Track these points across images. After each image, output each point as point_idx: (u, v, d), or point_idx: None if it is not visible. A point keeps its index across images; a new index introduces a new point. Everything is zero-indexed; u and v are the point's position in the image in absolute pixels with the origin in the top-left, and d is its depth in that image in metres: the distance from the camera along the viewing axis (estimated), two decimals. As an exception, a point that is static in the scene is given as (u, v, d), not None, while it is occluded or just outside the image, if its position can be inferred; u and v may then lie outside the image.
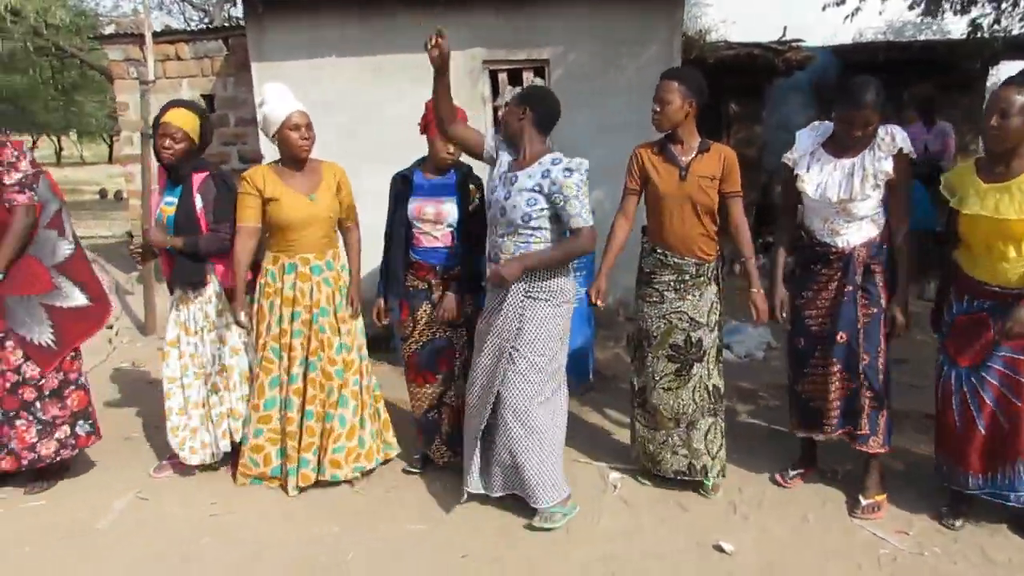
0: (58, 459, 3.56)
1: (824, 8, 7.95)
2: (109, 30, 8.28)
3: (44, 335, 3.49)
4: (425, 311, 3.49)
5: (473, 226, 3.43)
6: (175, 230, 3.49)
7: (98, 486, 3.65)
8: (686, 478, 3.41)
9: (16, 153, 3.39)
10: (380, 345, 5.19)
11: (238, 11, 14.41)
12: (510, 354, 3.11)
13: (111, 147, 33.64)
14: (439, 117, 3.14)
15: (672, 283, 3.28)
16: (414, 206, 3.42)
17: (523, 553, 3.04)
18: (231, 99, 7.40)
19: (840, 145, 3.13)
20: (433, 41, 2.86)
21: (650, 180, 3.26)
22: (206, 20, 15.89)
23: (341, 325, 3.49)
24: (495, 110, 6.04)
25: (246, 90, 7.02)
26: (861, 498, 3.26)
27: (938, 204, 4.22)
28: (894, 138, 3.06)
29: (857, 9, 7.88)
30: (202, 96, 7.41)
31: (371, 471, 3.67)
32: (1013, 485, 2.94)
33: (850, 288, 3.16)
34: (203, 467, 3.75)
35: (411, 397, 3.65)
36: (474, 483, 3.26)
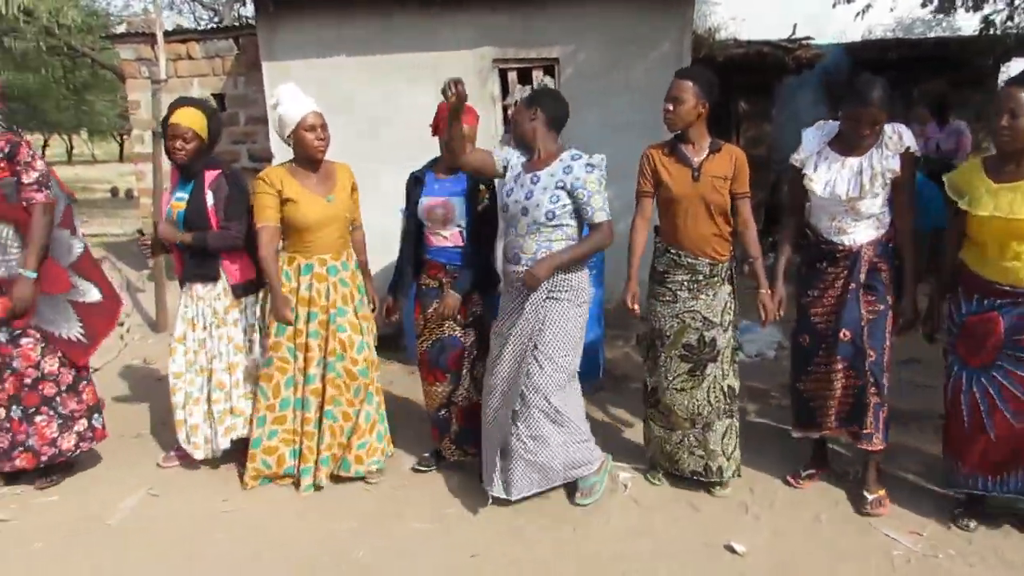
0: (78, 452, 3.62)
1: (835, 5, 7.90)
2: (120, 30, 8.32)
3: (74, 330, 3.56)
4: (435, 308, 3.50)
5: (482, 226, 3.43)
6: (185, 226, 3.51)
7: (109, 482, 3.67)
8: (702, 479, 3.42)
9: (32, 152, 3.42)
10: (390, 344, 5.20)
11: (247, 11, 14.47)
12: (534, 356, 3.15)
13: (122, 146, 33.82)
14: (453, 152, 3.17)
15: (685, 283, 3.27)
16: (424, 205, 3.43)
17: (533, 552, 3.04)
18: (241, 98, 7.43)
19: (847, 144, 3.13)
20: (453, 89, 2.89)
21: (662, 181, 3.25)
22: (216, 20, 15.94)
23: (363, 323, 3.50)
24: (505, 109, 6.04)
25: (256, 89, 7.05)
26: (866, 494, 3.26)
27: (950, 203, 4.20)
28: (901, 137, 3.07)
29: (868, 6, 7.84)
30: (213, 95, 7.44)
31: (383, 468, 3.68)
32: None
33: (855, 286, 3.16)
34: (207, 462, 3.77)
35: (424, 394, 3.68)
36: (497, 488, 3.27)
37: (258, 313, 3.68)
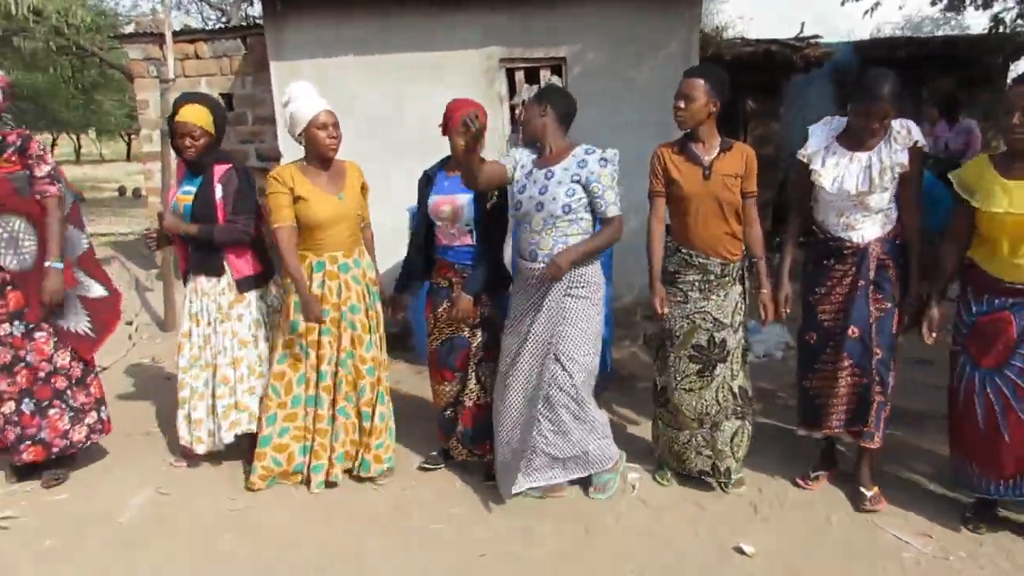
0: (88, 443, 3.68)
1: (843, 3, 7.88)
2: (129, 29, 8.35)
3: (81, 324, 3.61)
4: (446, 309, 3.51)
5: (492, 224, 3.42)
6: (192, 219, 3.52)
7: (118, 480, 3.68)
8: (709, 478, 3.42)
9: (42, 146, 3.47)
10: (398, 344, 5.20)
11: (255, 10, 14.50)
12: (557, 358, 3.17)
13: (129, 145, 33.96)
14: (470, 179, 3.15)
15: (697, 283, 3.27)
16: (433, 203, 3.44)
17: (542, 552, 3.03)
18: (249, 97, 7.44)
19: (855, 139, 3.11)
20: (476, 123, 2.90)
21: (673, 180, 3.24)
22: (223, 19, 15.97)
23: (371, 323, 3.50)
24: (512, 108, 6.04)
25: (264, 89, 7.06)
26: (864, 491, 3.26)
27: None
28: (910, 131, 3.06)
29: (877, 3, 7.81)
30: (220, 95, 7.45)
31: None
32: None
33: (863, 283, 3.15)
34: (215, 460, 3.81)
35: (432, 393, 3.69)
36: (517, 485, 3.28)
37: (264, 308, 3.69)
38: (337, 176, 3.45)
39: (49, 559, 3.05)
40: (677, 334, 3.32)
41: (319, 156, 3.39)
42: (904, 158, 3.04)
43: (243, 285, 3.62)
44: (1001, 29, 7.88)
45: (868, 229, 3.15)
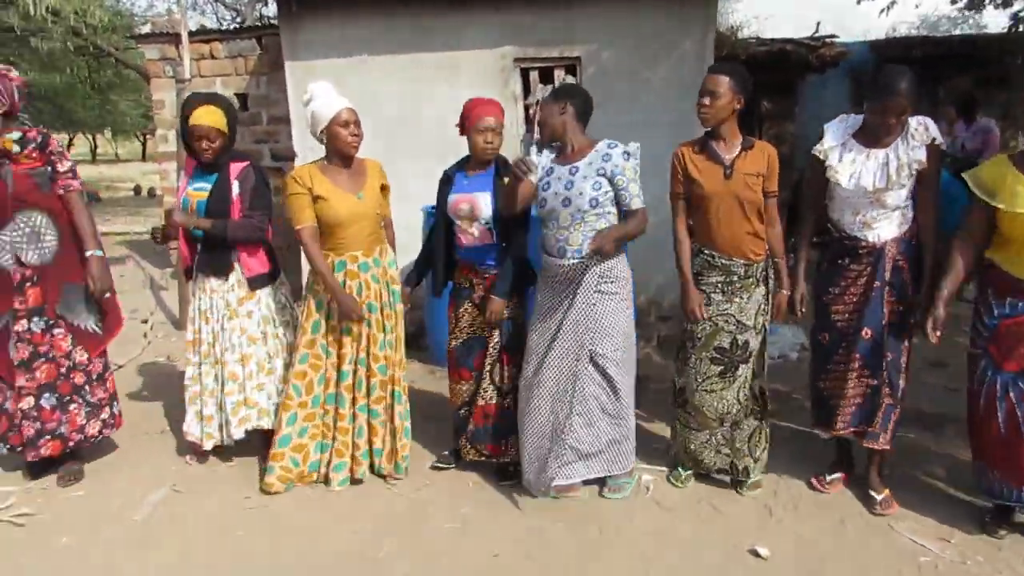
0: (100, 437, 3.73)
1: (859, 1, 7.82)
2: (145, 29, 8.40)
3: (90, 321, 3.63)
4: (466, 309, 3.51)
5: (511, 222, 3.40)
6: (206, 215, 3.52)
7: (133, 478, 3.70)
8: (726, 476, 3.41)
9: (60, 144, 3.51)
10: (412, 343, 5.19)
11: (269, 11, 14.54)
12: (590, 355, 3.20)
13: (144, 144, 34.21)
14: (512, 206, 3.28)
15: (720, 284, 3.25)
16: (451, 201, 3.44)
17: (555, 553, 3.03)
18: (264, 97, 7.47)
19: (871, 136, 3.08)
20: (524, 170, 2.99)
21: (694, 180, 3.22)
22: (238, 20, 16.04)
23: (387, 322, 3.49)
24: (526, 108, 6.02)
25: (278, 89, 7.08)
26: (874, 494, 3.25)
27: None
28: (927, 128, 3.02)
29: (893, 2, 7.76)
30: (235, 94, 7.49)
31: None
32: None
33: (878, 284, 3.12)
34: (227, 456, 3.84)
35: (449, 392, 3.70)
36: (533, 483, 3.29)
37: (272, 305, 3.71)
38: (357, 175, 3.44)
39: (65, 556, 3.07)
40: (699, 336, 3.30)
41: (340, 154, 3.38)
42: (922, 155, 3.00)
43: (255, 283, 3.64)
44: (1021, 28, 7.80)
45: (884, 228, 3.12)
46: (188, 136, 3.50)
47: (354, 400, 3.50)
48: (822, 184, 3.20)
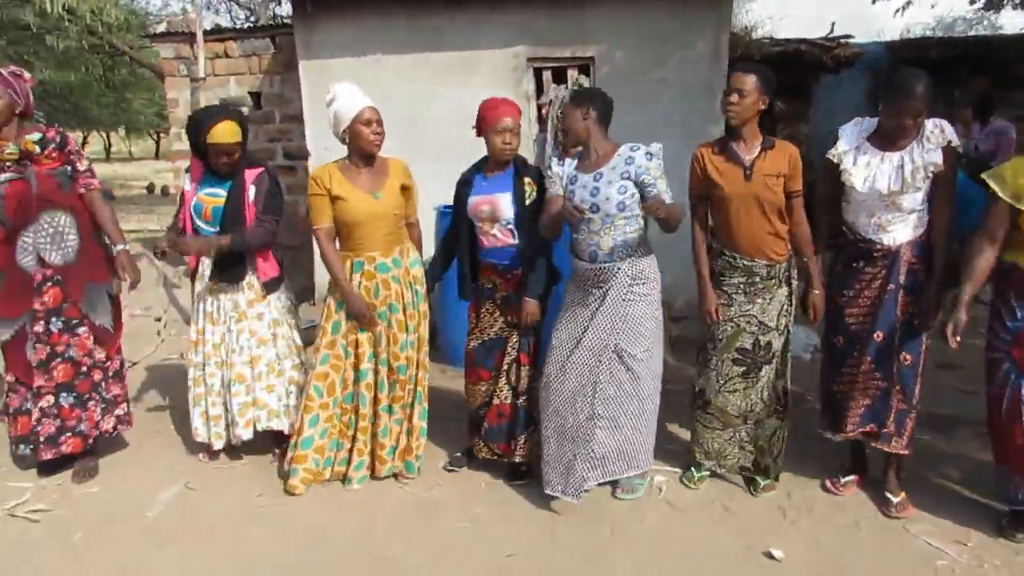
0: (115, 433, 3.77)
1: (874, 1, 7.78)
2: (160, 28, 8.45)
3: (105, 319, 3.67)
4: (488, 310, 3.51)
5: (532, 222, 3.39)
6: (223, 220, 3.53)
7: (147, 475, 3.71)
8: (748, 473, 3.42)
9: (77, 143, 3.54)
10: (423, 342, 5.20)
11: (283, 10, 14.60)
12: (619, 356, 3.19)
13: (158, 143, 34.41)
14: (555, 232, 3.32)
15: (741, 285, 3.24)
16: (471, 204, 3.43)
17: (568, 553, 3.02)
18: (277, 96, 7.50)
19: (887, 139, 3.06)
20: (579, 218, 3.06)
21: (714, 181, 3.21)
22: (251, 19, 16.10)
23: (409, 322, 3.47)
24: (539, 108, 6.03)
25: (292, 88, 7.11)
26: (890, 496, 3.23)
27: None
28: (943, 131, 3.00)
29: (908, 2, 7.71)
30: (249, 93, 7.53)
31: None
32: None
33: (892, 287, 3.10)
34: (239, 455, 3.85)
35: (466, 392, 3.69)
36: (562, 488, 3.26)
37: (281, 307, 3.74)
38: (379, 174, 3.42)
39: (80, 552, 3.08)
40: (720, 338, 3.29)
41: (362, 153, 3.37)
42: (937, 158, 2.98)
43: (269, 287, 3.66)
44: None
45: (900, 231, 3.10)
46: (207, 153, 3.48)
47: (376, 399, 3.50)
48: (837, 187, 3.18)
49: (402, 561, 3.00)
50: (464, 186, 3.50)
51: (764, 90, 3.11)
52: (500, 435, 3.54)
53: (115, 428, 3.76)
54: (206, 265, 3.65)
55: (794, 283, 3.30)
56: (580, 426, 3.21)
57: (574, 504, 3.27)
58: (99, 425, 3.68)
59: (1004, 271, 2.99)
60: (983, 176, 3.01)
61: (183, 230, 3.62)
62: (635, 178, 3.13)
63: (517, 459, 3.54)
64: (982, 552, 2.93)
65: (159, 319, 6.55)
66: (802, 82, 8.65)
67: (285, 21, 9.79)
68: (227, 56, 7.52)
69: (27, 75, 3.47)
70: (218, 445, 3.73)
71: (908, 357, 3.13)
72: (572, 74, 5.98)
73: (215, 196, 3.56)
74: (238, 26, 12.75)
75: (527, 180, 3.41)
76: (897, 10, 7.80)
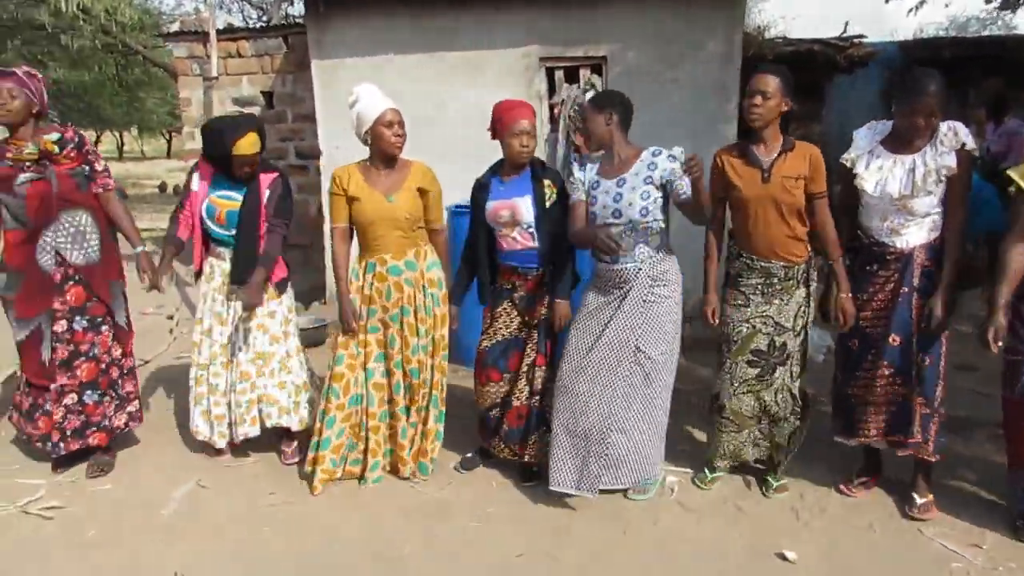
0: (127, 429, 3.81)
1: (887, 0, 7.73)
2: (173, 28, 8.48)
3: (123, 318, 3.72)
4: (504, 309, 3.50)
5: (551, 225, 3.38)
6: (239, 223, 3.54)
7: (159, 472, 3.73)
8: (762, 466, 3.43)
9: (92, 143, 3.57)
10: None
11: (295, 9, 14.65)
12: (636, 356, 3.19)
13: (170, 142, 34.58)
14: (581, 247, 3.36)
15: (759, 286, 3.23)
16: (490, 208, 3.41)
17: (580, 553, 3.02)
18: (289, 96, 7.52)
19: (900, 142, 3.05)
20: (615, 250, 3.05)
21: (732, 184, 3.21)
22: (263, 18, 16.15)
23: (421, 326, 3.45)
24: (551, 108, 6.01)
25: (304, 87, 7.13)
26: (916, 496, 3.20)
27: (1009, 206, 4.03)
28: (957, 133, 2.97)
29: (922, 1, 7.66)
30: (261, 92, 7.55)
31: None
32: None
33: (906, 290, 3.08)
34: (251, 452, 3.87)
35: (476, 394, 3.66)
36: (569, 482, 3.26)
37: (290, 305, 3.79)
38: (397, 177, 3.41)
39: (93, 549, 3.10)
40: (734, 339, 3.28)
41: (383, 154, 3.37)
42: (951, 161, 2.95)
43: (280, 287, 3.70)
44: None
45: (913, 235, 3.07)
46: (231, 164, 3.48)
47: (392, 400, 3.51)
48: (852, 191, 3.17)
49: (413, 560, 3.00)
50: (481, 191, 3.48)
51: (787, 92, 3.10)
52: (518, 436, 3.53)
53: (127, 424, 3.79)
54: (214, 266, 3.67)
55: (812, 285, 3.27)
56: (594, 426, 3.20)
57: (589, 500, 3.28)
58: (112, 421, 3.71)
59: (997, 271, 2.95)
60: (1009, 172, 2.96)
61: (176, 236, 3.61)
62: (659, 182, 3.14)
63: (530, 459, 3.53)
64: (997, 554, 2.91)
65: (171, 317, 6.58)
66: (815, 82, 8.60)
67: (297, 21, 9.80)
68: (239, 55, 7.54)
69: (39, 75, 3.50)
70: (221, 444, 3.74)
71: (927, 360, 3.10)
72: (584, 74, 5.96)
73: (230, 199, 3.56)
74: (250, 26, 12.79)
75: (546, 182, 3.40)
76: (910, 9, 7.73)
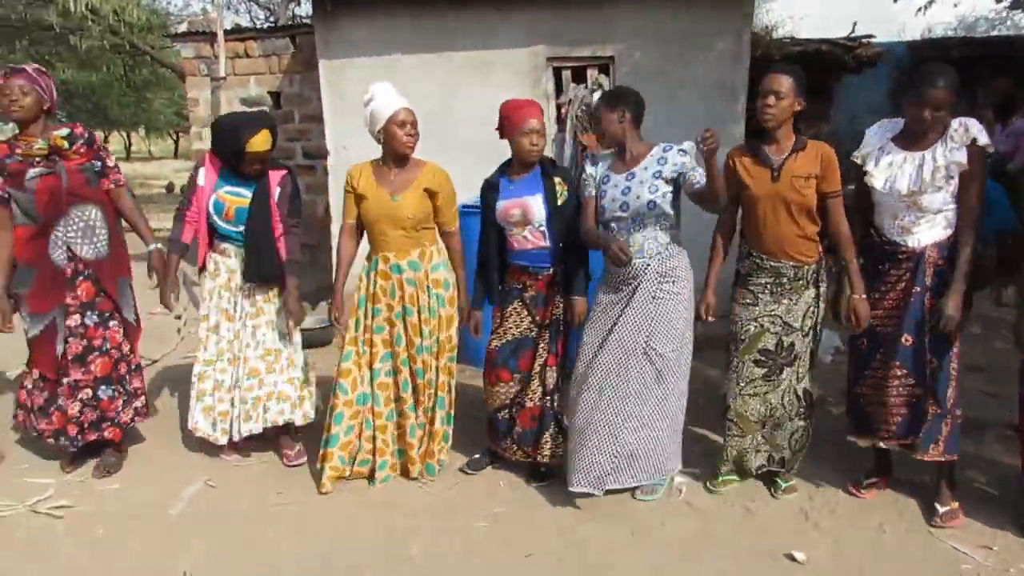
0: (132, 424, 3.81)
1: (896, 0, 7.70)
2: (181, 28, 8.51)
3: (131, 314, 3.74)
4: (515, 308, 3.49)
5: (563, 223, 3.37)
6: (249, 220, 3.55)
7: (167, 471, 3.74)
8: (766, 470, 3.41)
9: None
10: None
11: (302, 10, 14.67)
12: (647, 353, 3.18)
13: (177, 142, 34.65)
14: (593, 249, 3.37)
15: (768, 286, 3.22)
16: (501, 208, 3.40)
17: (588, 554, 3.01)
18: (296, 96, 7.54)
19: (911, 138, 3.03)
20: (626, 261, 3.08)
21: (743, 182, 3.20)
22: (271, 19, 16.21)
23: (424, 327, 3.45)
24: (559, 107, 6.01)
25: (311, 87, 7.15)
26: (938, 505, 3.15)
27: (1019, 205, 4.02)
28: (968, 129, 2.94)
29: (931, 1, 7.63)
30: (269, 93, 7.57)
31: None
32: None
33: (918, 290, 3.05)
34: (260, 451, 3.88)
35: (485, 394, 3.64)
36: (588, 484, 3.24)
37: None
38: (407, 177, 3.40)
39: (101, 547, 3.11)
40: (742, 338, 3.27)
41: (394, 153, 3.38)
42: (961, 156, 2.93)
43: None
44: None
45: (925, 233, 3.05)
46: (243, 160, 3.48)
47: (399, 399, 3.51)
48: (864, 189, 3.15)
49: (422, 560, 3.00)
50: (491, 190, 3.46)
51: (800, 91, 3.09)
52: (531, 437, 3.51)
53: (132, 419, 3.80)
54: (219, 262, 3.66)
55: (822, 286, 3.25)
56: (606, 423, 3.20)
57: (597, 501, 3.28)
58: (120, 417, 3.71)
59: None
60: None
61: (180, 240, 3.62)
62: (669, 176, 3.14)
63: (542, 459, 3.50)
64: (1008, 556, 2.89)
65: (179, 317, 6.58)
66: (823, 82, 8.58)
67: (305, 21, 9.84)
68: (247, 56, 7.57)
69: (48, 73, 3.52)
70: (223, 440, 3.74)
71: (936, 361, 3.08)
72: (591, 74, 5.95)
73: (239, 196, 3.57)
74: (258, 26, 12.83)
75: (557, 180, 3.39)
76: (919, 9, 7.70)
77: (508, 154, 3.46)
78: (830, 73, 8.45)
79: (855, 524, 3.16)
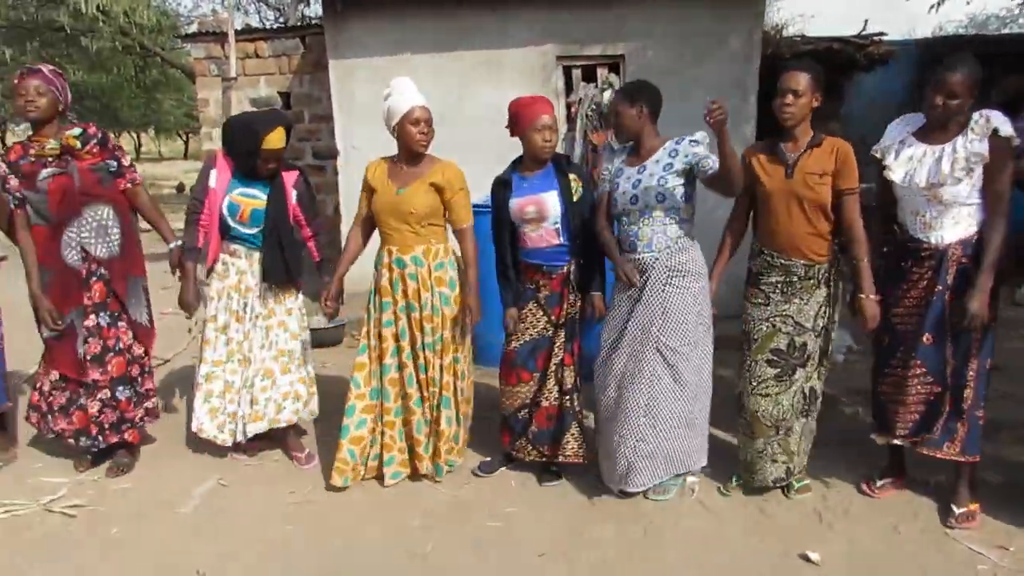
0: (142, 424, 3.81)
1: (907, -2, 7.66)
2: (192, 29, 8.54)
3: (144, 315, 3.74)
4: (530, 309, 3.47)
5: (578, 220, 3.36)
6: (267, 222, 3.55)
7: (180, 471, 3.75)
8: (783, 484, 3.36)
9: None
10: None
11: (311, 10, 14.69)
12: (658, 348, 3.17)
13: (187, 143, 34.82)
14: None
15: (779, 284, 3.20)
16: (515, 206, 3.38)
17: (600, 554, 3.00)
18: (306, 96, 7.55)
19: (932, 132, 2.99)
20: (635, 280, 3.17)
21: (757, 178, 3.18)
22: (281, 19, 16.23)
23: (426, 324, 3.44)
24: (568, 106, 6.00)
25: (321, 87, 7.17)
26: (954, 507, 3.12)
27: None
28: (989, 120, 2.89)
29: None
30: (279, 93, 7.58)
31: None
32: None
33: (940, 288, 3.01)
34: (271, 451, 3.89)
35: (502, 395, 3.62)
36: (620, 482, 3.26)
37: (302, 303, 3.83)
38: (417, 173, 3.40)
39: (115, 546, 3.12)
40: (754, 337, 3.25)
41: (407, 150, 3.39)
42: (983, 148, 2.87)
43: (298, 285, 3.77)
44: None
45: (948, 230, 3.00)
46: (258, 158, 3.48)
47: (406, 395, 3.51)
48: (886, 185, 3.12)
49: (433, 560, 2.99)
50: (503, 188, 3.44)
51: (817, 88, 3.07)
52: (548, 437, 3.50)
53: (142, 419, 3.80)
54: (229, 263, 3.65)
55: (833, 285, 3.21)
56: (624, 420, 3.20)
57: (609, 498, 3.29)
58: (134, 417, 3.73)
59: None
60: None
61: (196, 248, 3.60)
62: (681, 167, 3.13)
63: (564, 459, 3.48)
64: (1024, 557, 2.88)
65: (190, 316, 6.60)
66: (834, 80, 8.54)
67: (314, 21, 9.86)
68: (257, 56, 7.58)
69: (63, 74, 3.55)
70: (229, 442, 3.73)
71: (955, 360, 3.04)
72: (602, 73, 5.95)
73: (254, 198, 3.56)
74: (268, 26, 12.85)
75: (572, 176, 3.38)
76: (931, 6, 7.64)
77: (519, 152, 3.45)
78: (841, 71, 8.39)
79: (869, 524, 3.14)
